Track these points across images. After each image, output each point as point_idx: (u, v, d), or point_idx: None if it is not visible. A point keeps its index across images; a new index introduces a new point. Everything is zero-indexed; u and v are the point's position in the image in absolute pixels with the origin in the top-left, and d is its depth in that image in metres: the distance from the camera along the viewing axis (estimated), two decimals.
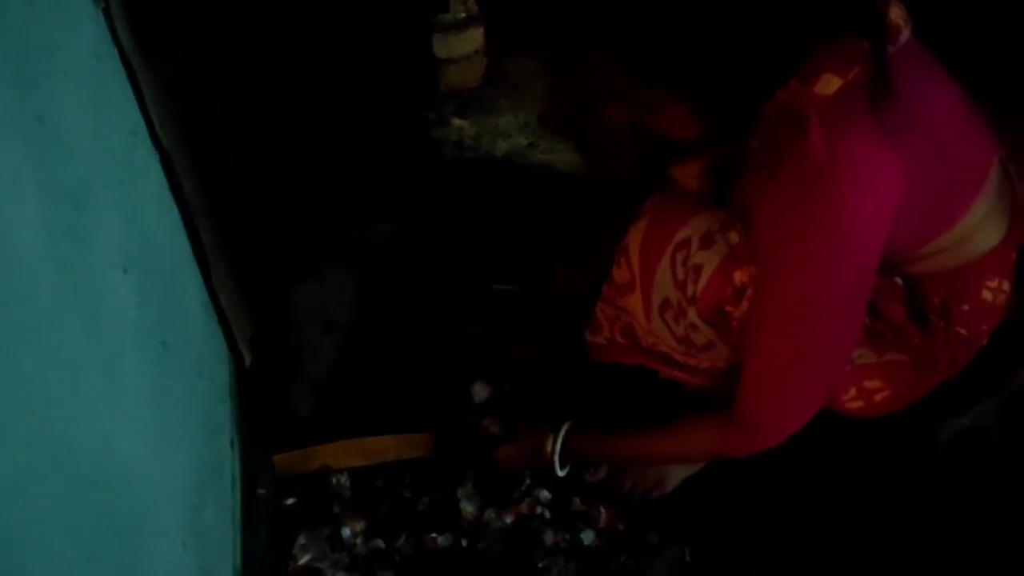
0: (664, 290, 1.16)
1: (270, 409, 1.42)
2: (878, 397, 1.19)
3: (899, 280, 1.12)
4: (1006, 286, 1.15)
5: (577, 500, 1.41)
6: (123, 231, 0.90)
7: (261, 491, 1.29)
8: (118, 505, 0.75)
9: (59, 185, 0.75)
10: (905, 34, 0.97)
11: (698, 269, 1.11)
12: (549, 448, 1.29)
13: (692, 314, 1.15)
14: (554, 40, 1.58)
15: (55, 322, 0.70)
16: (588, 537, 1.38)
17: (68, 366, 0.71)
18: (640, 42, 0.95)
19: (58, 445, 0.66)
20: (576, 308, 1.46)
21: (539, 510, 1.40)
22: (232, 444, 1.18)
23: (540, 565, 1.34)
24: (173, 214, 1.10)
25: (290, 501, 1.38)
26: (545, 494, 1.42)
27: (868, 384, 1.17)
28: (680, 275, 1.13)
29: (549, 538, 1.37)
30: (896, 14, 0.96)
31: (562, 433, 1.28)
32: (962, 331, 1.16)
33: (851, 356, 1.12)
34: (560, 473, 1.31)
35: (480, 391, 1.48)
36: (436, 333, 1.56)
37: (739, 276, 1.08)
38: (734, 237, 1.09)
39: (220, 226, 1.28)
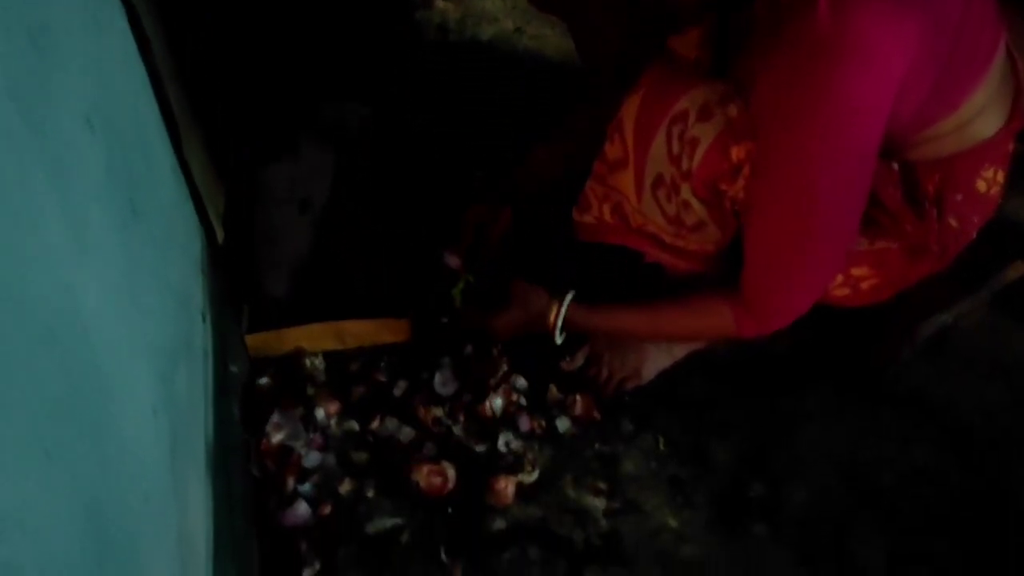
0: (658, 165, 1.12)
1: (243, 288, 1.39)
2: (865, 285, 1.18)
3: (895, 165, 1.10)
4: (1000, 177, 1.13)
5: (553, 388, 1.41)
6: (87, 82, 0.85)
7: (233, 368, 1.27)
8: (85, 362, 0.72)
9: (18, 20, 0.69)
10: None
11: (694, 143, 1.07)
12: (552, 317, 1.27)
13: (685, 191, 1.12)
14: None
15: (16, 168, 0.65)
16: (563, 424, 1.38)
17: (30, 215, 0.67)
18: None
19: (21, 294, 0.62)
20: (549, 190, 1.43)
21: (515, 397, 1.40)
22: (204, 318, 1.15)
23: (514, 450, 1.34)
24: (140, 73, 1.04)
25: (263, 381, 1.37)
26: (521, 382, 1.42)
27: (856, 271, 1.16)
28: (675, 149, 1.09)
29: (524, 424, 1.37)
30: None
31: (566, 302, 1.26)
32: (953, 222, 1.14)
33: (856, 235, 1.10)
34: (558, 341, 1.30)
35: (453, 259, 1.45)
36: (416, 218, 1.52)
37: (736, 152, 1.04)
38: (733, 110, 1.05)
39: (190, 92, 1.21)
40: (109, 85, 0.92)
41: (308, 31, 1.61)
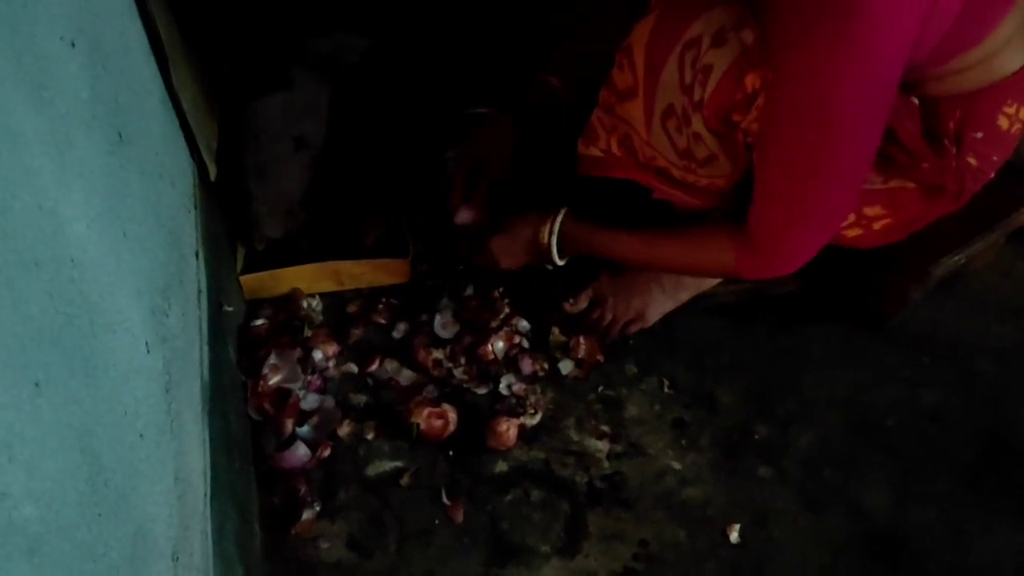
0: (669, 95, 1.08)
1: (237, 227, 1.35)
2: (877, 225, 1.15)
3: (915, 100, 1.06)
4: (1023, 114, 1.09)
5: (556, 330, 1.38)
6: (68, 1, 0.80)
7: (228, 308, 1.23)
8: (72, 291, 0.68)
9: None
10: None
11: (707, 71, 1.03)
12: (546, 234, 1.24)
13: (697, 122, 1.07)
14: None
15: None
16: (566, 367, 1.36)
17: (9, 133, 0.63)
18: None
19: (2, 216, 0.59)
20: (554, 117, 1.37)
21: (517, 339, 1.37)
22: (197, 255, 1.11)
23: (516, 392, 1.32)
24: None
25: (259, 322, 1.34)
26: (524, 324, 1.39)
27: (869, 211, 1.13)
28: (687, 78, 1.05)
29: (526, 366, 1.35)
30: None
31: (559, 217, 1.22)
32: (972, 161, 1.11)
33: (867, 174, 1.06)
34: (559, 262, 1.27)
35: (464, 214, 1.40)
36: (413, 156, 1.47)
37: (751, 80, 1.00)
38: (748, 36, 1.00)
39: (179, 20, 1.16)
40: (92, 5, 0.88)
41: None
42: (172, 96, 1.11)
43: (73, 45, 0.80)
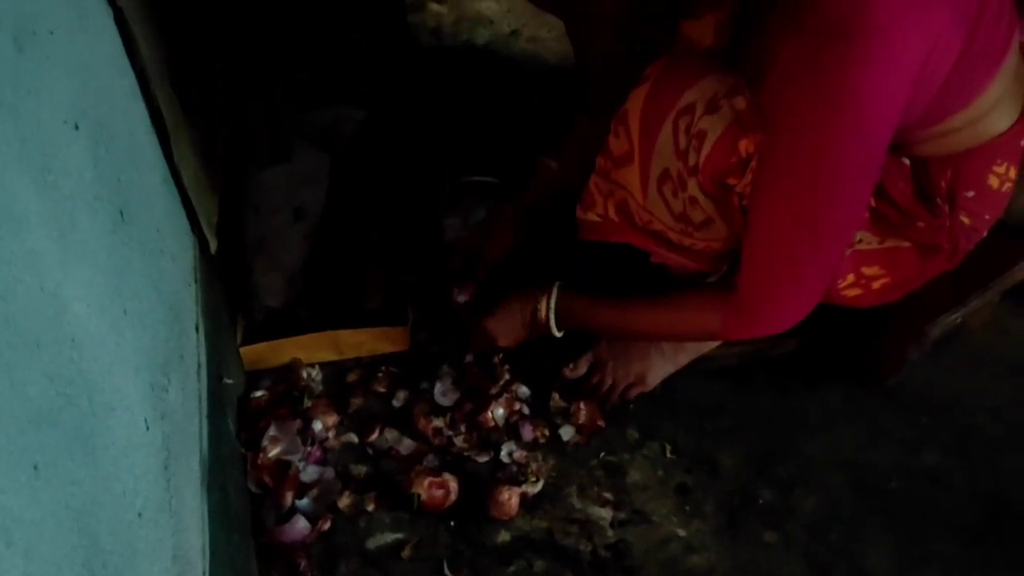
0: (664, 160, 1.10)
1: (237, 298, 1.36)
2: (876, 285, 1.16)
3: (906, 161, 1.08)
4: (1012, 173, 1.11)
5: (556, 396, 1.38)
6: (72, 85, 0.82)
7: (228, 381, 1.23)
8: (71, 371, 0.69)
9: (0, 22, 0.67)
10: None
11: (702, 136, 1.05)
12: (544, 309, 1.26)
13: (692, 186, 1.09)
14: None
15: None
16: (567, 433, 1.35)
17: (13, 218, 0.64)
18: None
19: (3, 300, 0.60)
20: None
21: (517, 405, 1.37)
22: (197, 329, 1.12)
23: (517, 460, 1.31)
24: (128, 76, 1.02)
25: (259, 393, 1.33)
26: (524, 390, 1.39)
27: (867, 271, 1.14)
28: (682, 143, 1.07)
29: (527, 433, 1.34)
30: None
31: (555, 291, 1.24)
32: (965, 219, 1.12)
33: (854, 236, 1.08)
34: (557, 334, 1.29)
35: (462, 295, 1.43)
36: (413, 226, 1.49)
37: (744, 145, 1.02)
38: (741, 103, 1.03)
39: (181, 98, 1.19)
40: (95, 88, 0.90)
41: (301, 35, 1.59)
42: (173, 172, 1.13)
43: (77, 128, 0.82)
